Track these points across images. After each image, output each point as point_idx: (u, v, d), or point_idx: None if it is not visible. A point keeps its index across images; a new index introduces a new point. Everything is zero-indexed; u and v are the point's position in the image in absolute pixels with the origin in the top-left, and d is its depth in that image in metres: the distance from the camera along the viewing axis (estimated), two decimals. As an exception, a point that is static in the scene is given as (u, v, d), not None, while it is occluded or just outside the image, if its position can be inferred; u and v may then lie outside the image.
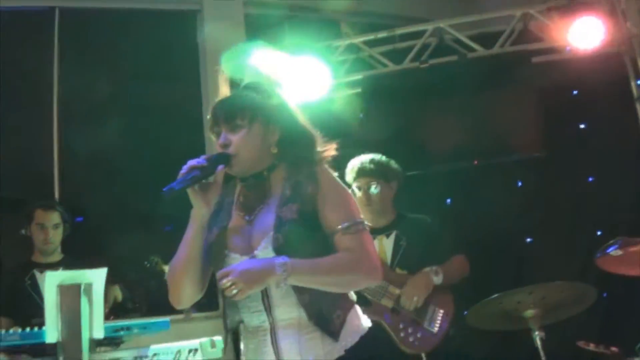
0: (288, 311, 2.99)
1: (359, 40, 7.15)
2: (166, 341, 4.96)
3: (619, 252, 4.72)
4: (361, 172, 5.28)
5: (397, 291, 5.00)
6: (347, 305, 3.11)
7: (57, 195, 7.60)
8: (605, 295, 6.26)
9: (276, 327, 3.00)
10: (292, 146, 3.14)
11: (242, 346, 3.11)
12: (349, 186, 5.24)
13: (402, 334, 4.96)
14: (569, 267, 6.04)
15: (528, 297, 4.62)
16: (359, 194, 5.26)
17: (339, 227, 3.03)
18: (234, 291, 2.81)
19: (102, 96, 8.02)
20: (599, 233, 6.72)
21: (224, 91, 7.02)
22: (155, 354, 4.88)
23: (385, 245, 5.24)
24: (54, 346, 4.44)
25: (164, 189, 2.90)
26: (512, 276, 5.39)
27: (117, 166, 8.21)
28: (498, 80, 7.00)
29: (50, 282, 4.39)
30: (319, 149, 3.18)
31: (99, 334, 4.54)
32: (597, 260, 4.80)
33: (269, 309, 3.00)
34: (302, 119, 3.22)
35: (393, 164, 5.41)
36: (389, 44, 7.24)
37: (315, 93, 6.69)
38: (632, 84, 7.18)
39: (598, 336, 5.16)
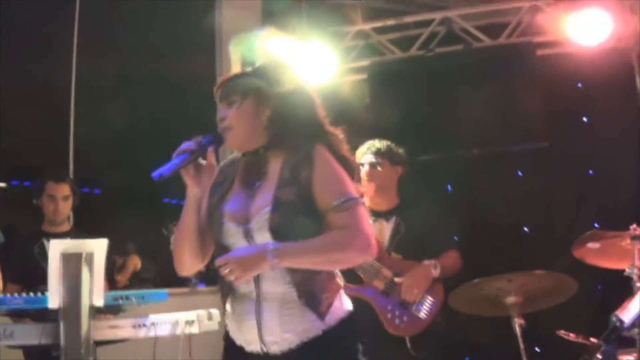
0: (274, 285, 3.10)
1: (368, 26, 7.27)
2: (169, 312, 5.14)
3: (596, 245, 4.94)
4: (368, 150, 5.43)
5: (390, 274, 5.11)
6: (335, 287, 3.21)
7: (72, 167, 7.77)
8: (599, 287, 6.41)
9: (261, 298, 3.11)
10: (283, 125, 3.22)
11: (228, 308, 3.27)
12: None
13: (389, 315, 5.07)
14: (564, 258, 6.13)
15: (507, 284, 4.75)
16: (364, 170, 5.38)
17: (332, 204, 3.09)
18: (232, 277, 2.97)
19: (118, 73, 8.20)
20: (596, 225, 6.65)
21: (236, 67, 7.14)
22: (153, 323, 5.04)
23: (384, 229, 5.36)
24: (55, 312, 4.62)
25: (153, 174, 3.02)
26: (507, 264, 5.45)
27: (132, 140, 8.39)
28: (503, 71, 7.08)
29: (54, 250, 4.57)
30: (315, 130, 3.26)
31: (99, 301, 4.71)
32: (575, 251, 5.07)
33: (257, 281, 3.10)
34: (301, 100, 3.29)
35: (400, 150, 5.55)
36: (397, 31, 7.35)
37: (321, 78, 6.80)
38: (638, 80, 7.13)
39: (590, 327, 5.25)
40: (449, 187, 7.38)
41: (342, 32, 7.19)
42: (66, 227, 6.09)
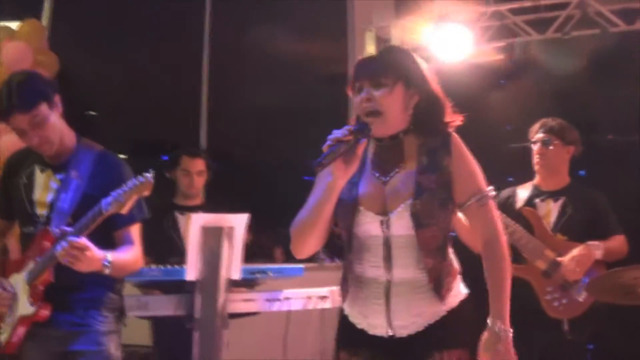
0: (405, 270, 3.08)
1: (504, 7, 7.06)
2: (298, 287, 5.11)
3: None
4: (542, 128, 5.26)
5: (552, 255, 5.00)
6: (454, 272, 3.19)
7: (204, 142, 7.80)
8: None
9: (392, 282, 3.08)
10: (427, 111, 3.14)
11: (348, 292, 3.24)
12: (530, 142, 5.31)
13: (548, 297, 4.95)
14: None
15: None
16: (535, 148, 5.27)
17: (472, 198, 3.08)
18: None
19: (251, 49, 8.16)
20: None
21: (370, 49, 7.07)
22: (286, 297, 5.02)
23: (551, 209, 5.22)
24: (187, 284, 4.64)
25: (315, 164, 2.92)
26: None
27: (263, 117, 8.36)
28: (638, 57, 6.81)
29: (195, 224, 4.55)
30: (449, 118, 3.18)
31: (236, 275, 4.70)
32: None
33: (389, 266, 3.08)
34: (437, 86, 3.21)
35: (574, 130, 5.34)
36: (533, 13, 7.12)
37: (458, 57, 6.64)
38: None
39: None
40: (582, 172, 7.13)
41: (477, 12, 6.97)
42: (198, 200, 6.07)
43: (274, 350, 6.23)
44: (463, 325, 3.14)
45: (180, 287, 4.73)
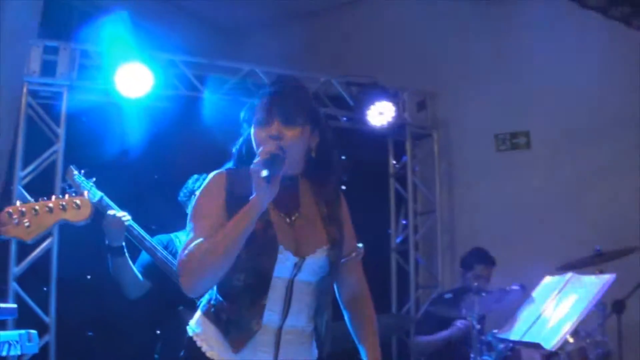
0: (298, 318, 2.76)
1: (180, 59, 6.48)
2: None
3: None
4: None
5: None
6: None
7: None
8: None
9: (283, 330, 2.73)
10: (323, 156, 2.82)
11: (219, 339, 2.72)
12: None
13: None
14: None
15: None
16: None
17: (353, 253, 2.96)
18: None
19: None
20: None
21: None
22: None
23: None
24: None
25: (265, 177, 2.46)
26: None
27: None
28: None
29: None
30: (339, 164, 2.92)
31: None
32: None
33: (285, 313, 2.72)
34: (334, 136, 2.91)
35: None
36: (209, 71, 6.68)
37: (138, 94, 5.97)
38: (390, 162, 7.68)
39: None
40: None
41: (153, 56, 6.18)
42: None
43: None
44: None
45: None
